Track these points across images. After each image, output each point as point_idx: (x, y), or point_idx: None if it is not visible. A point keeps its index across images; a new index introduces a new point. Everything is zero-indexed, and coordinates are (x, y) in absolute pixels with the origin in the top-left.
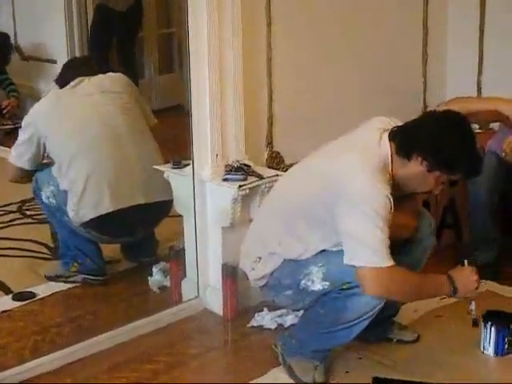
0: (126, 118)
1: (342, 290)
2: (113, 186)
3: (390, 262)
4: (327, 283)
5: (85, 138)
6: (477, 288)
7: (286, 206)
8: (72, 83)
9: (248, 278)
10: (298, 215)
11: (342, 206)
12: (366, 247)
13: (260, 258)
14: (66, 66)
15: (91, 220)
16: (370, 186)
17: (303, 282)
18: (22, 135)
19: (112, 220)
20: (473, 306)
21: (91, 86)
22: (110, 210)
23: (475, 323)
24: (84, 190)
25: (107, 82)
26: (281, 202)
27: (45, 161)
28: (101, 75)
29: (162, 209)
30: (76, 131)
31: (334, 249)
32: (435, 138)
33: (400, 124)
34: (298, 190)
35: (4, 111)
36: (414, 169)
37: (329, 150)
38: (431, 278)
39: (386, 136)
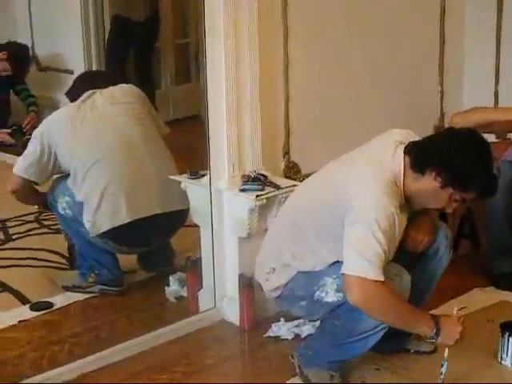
0: (139, 128)
1: None
2: (129, 197)
3: (380, 277)
4: (341, 295)
5: (99, 149)
6: (458, 339)
7: (298, 217)
8: (83, 96)
9: (262, 289)
10: (309, 227)
11: (349, 217)
12: (360, 257)
13: (274, 269)
14: (77, 80)
15: (108, 231)
16: (377, 200)
17: (317, 293)
18: (32, 146)
19: (128, 230)
20: (443, 369)
21: (103, 98)
22: (127, 220)
23: None
24: (100, 201)
25: (118, 93)
26: (294, 213)
27: (56, 175)
28: (112, 87)
29: (178, 218)
30: (90, 143)
31: None
32: (451, 154)
33: (417, 138)
34: (311, 201)
35: (25, 129)
36: (428, 184)
37: (342, 163)
38: (416, 311)
39: (400, 149)
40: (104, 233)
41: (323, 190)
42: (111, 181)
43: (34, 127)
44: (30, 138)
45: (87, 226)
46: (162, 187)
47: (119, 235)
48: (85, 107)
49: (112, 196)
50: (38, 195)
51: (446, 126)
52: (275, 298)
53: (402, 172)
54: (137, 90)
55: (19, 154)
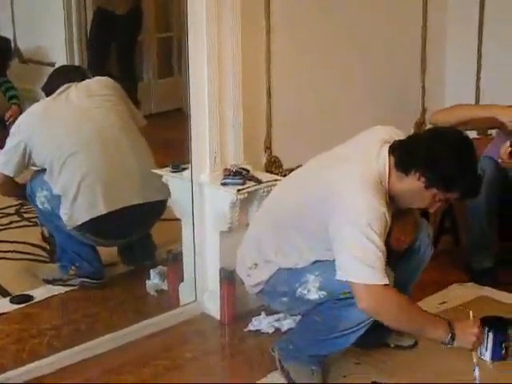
0: (116, 120)
1: (340, 299)
2: (106, 188)
3: (385, 281)
4: (324, 293)
5: (75, 142)
6: (475, 343)
7: (281, 215)
8: (58, 90)
9: (244, 284)
10: (292, 225)
11: (336, 221)
12: (361, 263)
13: (256, 265)
14: (53, 74)
15: (85, 223)
16: (366, 203)
17: (299, 290)
18: (10, 142)
19: (106, 222)
20: (476, 373)
21: (78, 91)
22: (104, 212)
23: None
24: (77, 194)
25: (94, 86)
26: (277, 210)
27: (35, 168)
28: (87, 80)
29: (156, 209)
30: (66, 135)
31: (330, 259)
32: (435, 154)
33: (402, 135)
34: (294, 199)
35: (7, 122)
36: (412, 184)
37: (327, 160)
38: (430, 315)
39: (385, 149)
40: (82, 225)
41: (307, 189)
42: (88, 173)
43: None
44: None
45: (64, 218)
46: (139, 178)
47: (97, 227)
48: (60, 100)
49: (88, 188)
50: (19, 188)
51: (427, 121)
52: (256, 293)
53: (387, 172)
54: (112, 82)
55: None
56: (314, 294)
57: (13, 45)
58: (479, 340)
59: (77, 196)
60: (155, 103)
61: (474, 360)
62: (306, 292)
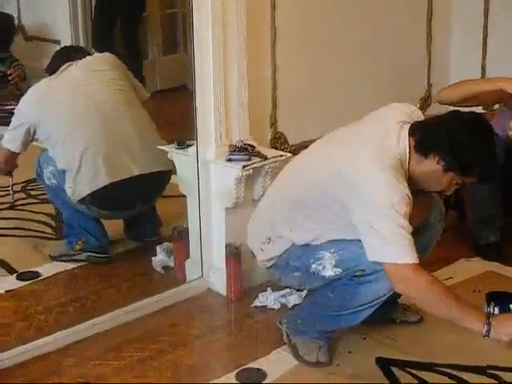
0: (117, 94)
1: (355, 276)
2: (108, 160)
3: (416, 260)
4: (339, 270)
5: (74, 116)
6: None
7: (298, 196)
8: (60, 69)
9: (255, 258)
10: (310, 204)
11: (360, 206)
12: (391, 245)
13: (270, 239)
14: (55, 56)
15: (89, 195)
16: (388, 185)
17: (314, 266)
18: (15, 121)
19: (110, 194)
20: None
21: (78, 69)
22: (107, 183)
23: None
24: (80, 166)
25: (93, 62)
26: (291, 189)
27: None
28: (88, 57)
29: (160, 179)
30: (65, 111)
31: (347, 238)
32: (455, 139)
33: (420, 114)
34: (312, 182)
35: (10, 79)
36: (430, 167)
37: (344, 140)
38: (466, 303)
39: (405, 131)
40: (85, 197)
41: (324, 173)
42: (88, 146)
43: (20, 79)
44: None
45: (68, 192)
46: (140, 150)
47: (101, 199)
48: (61, 78)
49: (90, 160)
50: (14, 166)
51: (433, 98)
52: (268, 268)
53: (408, 155)
54: (111, 57)
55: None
56: (329, 271)
57: (16, 21)
58: None
59: (79, 169)
60: (160, 80)
61: None
62: (321, 268)
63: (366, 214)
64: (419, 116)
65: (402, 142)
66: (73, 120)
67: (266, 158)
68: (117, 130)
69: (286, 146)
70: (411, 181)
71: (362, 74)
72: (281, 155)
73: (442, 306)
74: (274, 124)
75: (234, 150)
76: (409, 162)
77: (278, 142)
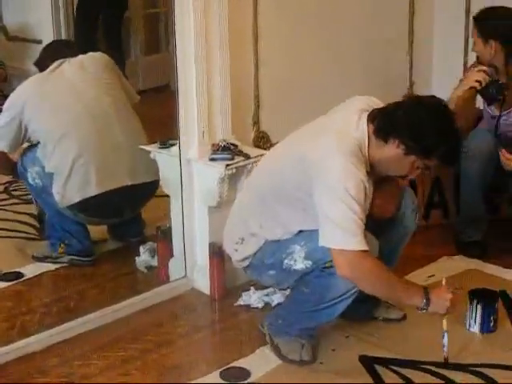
0: (108, 97)
1: (326, 268)
2: (99, 168)
3: (364, 247)
4: (309, 262)
5: (69, 121)
6: (449, 308)
7: (263, 188)
8: (52, 66)
9: (231, 259)
10: (274, 196)
11: (318, 189)
12: (340, 229)
13: (242, 240)
14: (45, 49)
15: (78, 203)
16: (344, 170)
17: (286, 261)
18: (3, 118)
19: (98, 202)
20: (445, 341)
21: (71, 67)
22: (97, 192)
23: (446, 361)
24: (70, 173)
25: (87, 62)
26: (259, 184)
27: (26, 144)
28: (81, 56)
29: (149, 189)
30: (60, 113)
31: (315, 228)
32: (414, 122)
33: (381, 105)
34: (276, 172)
35: None
36: (391, 152)
37: (307, 131)
38: (406, 281)
39: (364, 117)
40: (74, 205)
41: (287, 161)
42: (81, 152)
43: (2, 79)
44: None
45: (57, 197)
46: (132, 158)
47: (89, 207)
48: (54, 76)
49: (82, 168)
50: (11, 165)
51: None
52: (244, 268)
53: (367, 140)
54: (106, 58)
55: None
56: (299, 264)
57: None
58: (453, 306)
59: (70, 176)
60: (143, 80)
61: (444, 327)
62: (292, 263)
63: (321, 197)
64: (380, 106)
65: (361, 128)
66: (66, 123)
67: (248, 157)
68: (110, 136)
69: (268, 145)
70: (373, 167)
71: (344, 73)
72: (263, 154)
73: (383, 286)
74: (256, 123)
75: (217, 150)
76: (368, 148)
77: (261, 141)
